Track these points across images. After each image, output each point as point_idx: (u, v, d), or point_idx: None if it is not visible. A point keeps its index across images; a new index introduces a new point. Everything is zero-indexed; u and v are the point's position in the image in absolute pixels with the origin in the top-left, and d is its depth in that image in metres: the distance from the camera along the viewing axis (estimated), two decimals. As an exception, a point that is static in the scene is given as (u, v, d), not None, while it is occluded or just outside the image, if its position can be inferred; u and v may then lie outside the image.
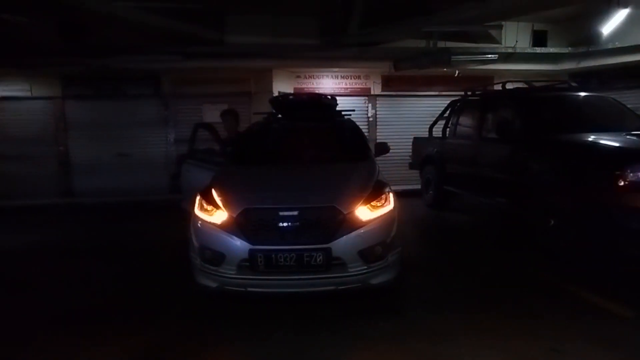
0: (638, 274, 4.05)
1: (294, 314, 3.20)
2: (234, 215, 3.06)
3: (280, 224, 2.99)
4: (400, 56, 8.12)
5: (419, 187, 8.10)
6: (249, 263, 2.97)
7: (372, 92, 10.44)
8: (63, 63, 8.18)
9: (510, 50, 8.78)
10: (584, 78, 9.31)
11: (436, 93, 10.56)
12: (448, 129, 7.19)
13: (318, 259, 2.94)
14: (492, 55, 8.55)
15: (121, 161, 9.64)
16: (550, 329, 2.83)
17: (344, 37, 8.11)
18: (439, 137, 7.46)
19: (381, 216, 3.18)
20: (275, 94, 9.53)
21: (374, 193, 3.27)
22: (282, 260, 2.94)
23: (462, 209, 7.32)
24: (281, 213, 3.00)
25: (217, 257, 3.06)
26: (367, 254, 3.04)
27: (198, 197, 3.34)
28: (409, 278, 3.75)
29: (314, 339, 2.80)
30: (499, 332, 2.82)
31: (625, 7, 7.02)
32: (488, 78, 10.43)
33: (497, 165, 5.36)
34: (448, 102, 7.58)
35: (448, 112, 7.39)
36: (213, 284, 3.13)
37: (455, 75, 9.68)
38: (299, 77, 10.06)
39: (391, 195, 3.38)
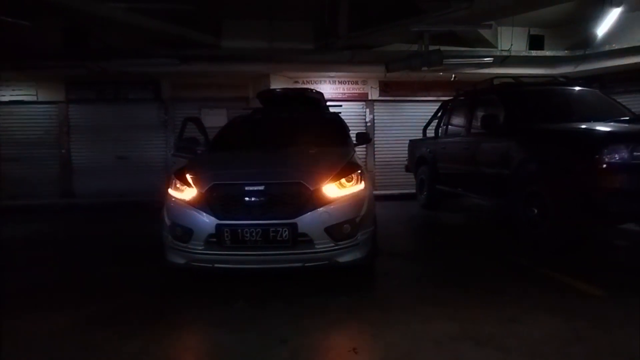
0: (615, 259, 4.01)
1: (258, 289, 3.20)
2: (203, 191, 3.10)
3: (247, 199, 3.01)
4: (393, 58, 8.19)
5: (413, 191, 8.07)
6: (216, 238, 2.98)
7: (369, 98, 10.53)
8: (65, 66, 8.42)
9: (505, 54, 8.81)
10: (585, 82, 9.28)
11: (434, 98, 10.58)
12: (440, 129, 7.20)
13: (284, 235, 2.94)
14: (487, 59, 8.58)
15: (120, 164, 9.82)
16: (512, 304, 2.78)
17: (335, 41, 8.24)
18: (432, 137, 7.47)
19: (350, 194, 3.18)
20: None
21: (344, 172, 3.28)
22: (248, 235, 2.95)
23: (455, 209, 7.28)
24: (247, 188, 3.02)
25: (186, 233, 3.08)
26: (334, 232, 3.03)
27: (172, 177, 3.39)
28: (383, 263, 3.72)
29: (271, 310, 2.79)
30: (457, 305, 2.78)
31: (619, 6, 7.02)
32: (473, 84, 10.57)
33: (484, 159, 5.34)
34: None
35: (440, 112, 7.40)
36: (181, 261, 3.15)
37: (452, 79, 9.74)
38: (296, 82, 10.19)
39: (363, 176, 3.38)
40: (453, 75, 9.64)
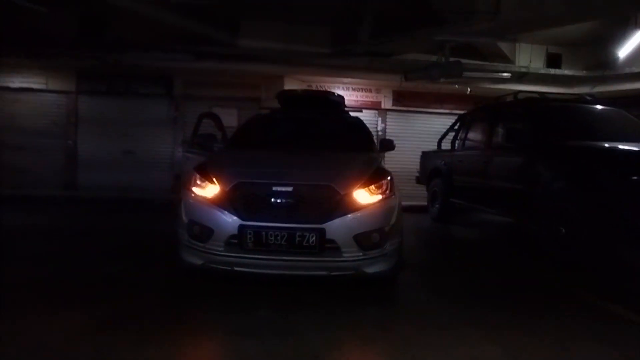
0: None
1: (280, 296, 3.02)
2: (226, 190, 2.94)
3: (273, 200, 2.85)
4: (412, 68, 8.09)
5: (425, 203, 7.91)
6: (238, 240, 2.82)
7: (382, 106, 10.43)
8: (78, 56, 8.30)
9: (523, 70, 8.72)
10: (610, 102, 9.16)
11: (447, 111, 10.50)
12: (457, 142, 7.06)
13: (310, 240, 2.78)
14: (505, 74, 8.49)
15: (126, 159, 9.66)
16: (555, 328, 2.60)
17: (354, 47, 8.14)
18: (448, 150, 7.33)
19: (380, 202, 3.02)
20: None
21: (374, 178, 3.13)
22: (273, 238, 2.78)
23: (467, 223, 7.11)
24: (274, 188, 2.86)
25: (205, 232, 2.92)
26: (363, 240, 2.87)
27: (193, 173, 3.23)
28: (405, 275, 3.55)
29: (297, 320, 2.61)
30: (497, 326, 2.60)
31: (643, 28, 6.95)
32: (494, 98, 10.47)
33: (506, 175, 5.19)
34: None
35: (457, 125, 7.26)
36: (198, 261, 2.98)
37: (467, 93, 9.64)
38: (310, 86, 10.08)
39: (393, 184, 3.22)
40: (468, 89, 9.53)
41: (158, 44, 8.15)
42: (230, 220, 2.84)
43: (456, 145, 7.10)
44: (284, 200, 2.84)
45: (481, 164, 5.85)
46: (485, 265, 4.31)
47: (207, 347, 2.30)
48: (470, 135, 6.65)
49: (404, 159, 10.38)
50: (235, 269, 2.89)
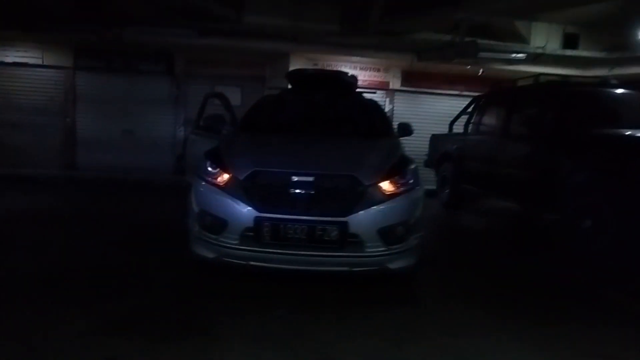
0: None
1: (297, 293, 2.84)
2: (241, 178, 2.72)
3: (292, 191, 2.64)
4: (424, 47, 7.75)
5: (434, 187, 7.70)
6: (254, 233, 2.62)
7: (390, 87, 10.09)
8: (75, 30, 7.92)
9: (539, 51, 8.37)
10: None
11: (457, 92, 10.20)
12: (471, 125, 6.80)
13: (332, 234, 2.58)
14: (521, 55, 8.15)
15: (126, 138, 9.38)
16: (601, 337, 2.43)
17: (365, 25, 7.77)
18: (460, 133, 7.08)
19: (405, 193, 2.82)
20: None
21: (398, 167, 2.92)
22: (291, 232, 2.59)
23: (479, 210, 6.93)
24: (294, 178, 2.65)
25: (218, 223, 2.71)
26: (387, 234, 2.68)
27: (204, 158, 3.00)
28: (424, 271, 3.37)
29: (318, 322, 2.43)
30: (539, 334, 2.42)
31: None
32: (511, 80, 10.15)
33: (525, 163, 4.96)
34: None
35: (472, 107, 6.99)
36: (211, 255, 2.79)
37: (479, 74, 9.32)
38: (316, 64, 9.72)
39: (417, 173, 3.01)
40: (481, 70, 9.21)
41: (159, 20, 7.76)
42: (245, 212, 2.64)
43: (469, 129, 6.85)
44: (304, 191, 2.63)
45: (497, 150, 5.62)
46: (503, 259, 4.14)
47: (222, 354, 2.12)
48: (486, 119, 6.38)
49: (411, 141, 10.03)
50: (251, 263, 2.71)
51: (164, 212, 5.43)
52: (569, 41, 8.93)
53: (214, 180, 2.84)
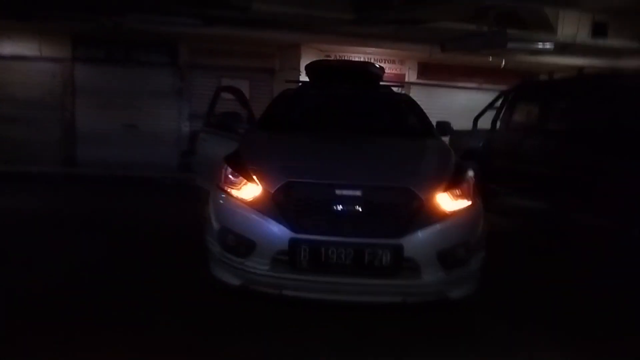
0: None
1: (339, 326, 2.39)
2: (272, 191, 2.26)
3: (336, 207, 2.18)
4: (447, 37, 7.23)
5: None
6: (289, 257, 2.17)
7: (406, 79, 9.60)
8: (73, 19, 7.40)
9: (569, 40, 7.84)
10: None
11: (475, 86, 9.74)
12: (499, 121, 6.32)
13: (384, 259, 2.13)
14: (549, 45, 7.62)
15: (128, 133, 8.92)
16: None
17: (381, 13, 7.25)
18: (487, 129, 6.59)
19: (467, 207, 2.37)
20: (302, 72, 8.80)
21: (456, 178, 2.46)
22: (334, 256, 2.14)
23: (505, 210, 6.45)
24: (338, 192, 2.19)
25: (244, 245, 2.26)
26: (447, 257, 2.23)
27: (223, 165, 2.54)
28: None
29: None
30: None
31: None
32: (533, 73, 9.66)
33: (569, 163, 4.49)
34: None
35: (500, 101, 6.49)
36: (236, 281, 2.34)
37: (502, 66, 8.82)
38: (328, 56, 9.22)
39: (476, 183, 2.56)
40: (503, 62, 8.70)
41: (162, 7, 7.24)
42: (278, 232, 2.18)
43: (498, 124, 6.37)
44: (350, 208, 2.17)
45: (533, 148, 5.15)
46: (552, 272, 3.67)
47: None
48: (518, 114, 5.90)
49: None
50: (284, 293, 2.25)
51: (172, 215, 5.00)
52: (598, 30, 8.40)
53: (237, 193, 2.38)
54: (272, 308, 2.52)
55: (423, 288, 2.23)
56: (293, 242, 2.16)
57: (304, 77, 8.74)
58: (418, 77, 9.59)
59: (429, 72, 9.61)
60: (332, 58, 8.77)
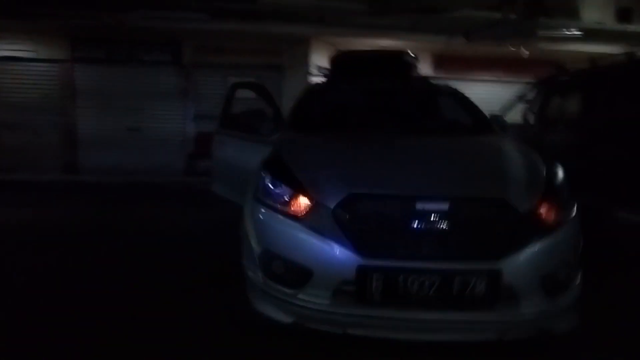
0: None
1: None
2: (331, 206, 1.81)
3: (417, 225, 1.74)
4: (471, 26, 6.79)
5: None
6: (356, 288, 1.74)
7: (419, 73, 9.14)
8: (72, 16, 6.95)
9: (597, 27, 7.40)
10: None
11: (494, 79, 9.28)
12: (534, 115, 5.87)
13: (478, 288, 1.70)
14: (578, 32, 7.19)
15: (132, 136, 8.47)
16: None
17: (397, 2, 6.82)
18: (518, 124, 6.15)
19: (569, 221, 1.92)
20: (313, 68, 8.35)
21: (552, 183, 2.02)
22: (415, 286, 1.70)
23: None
24: (420, 205, 1.75)
25: (296, 273, 1.83)
26: (552, 282, 1.80)
27: (263, 173, 2.09)
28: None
29: None
30: None
31: None
32: (554, 63, 9.23)
33: (620, 156, 4.06)
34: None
35: (534, 95, 6.04)
36: (286, 318, 1.89)
37: (525, 56, 8.37)
38: (339, 50, 8.76)
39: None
40: (526, 52, 8.25)
41: (167, 1, 6.80)
42: (342, 257, 1.75)
43: (530, 119, 5.92)
44: (434, 225, 1.73)
45: (579, 144, 4.71)
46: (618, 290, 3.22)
47: None
48: (556, 107, 5.46)
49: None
50: (350, 331, 1.81)
51: (188, 227, 4.56)
52: (622, 15, 7.98)
53: (284, 207, 1.94)
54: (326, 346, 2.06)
55: (523, 321, 1.79)
56: (362, 270, 1.72)
57: (314, 74, 8.44)
58: (433, 71, 9.12)
59: (444, 65, 9.18)
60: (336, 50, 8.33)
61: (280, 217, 1.93)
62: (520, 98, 6.35)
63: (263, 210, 2.01)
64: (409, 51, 4.05)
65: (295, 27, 7.73)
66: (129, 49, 8.32)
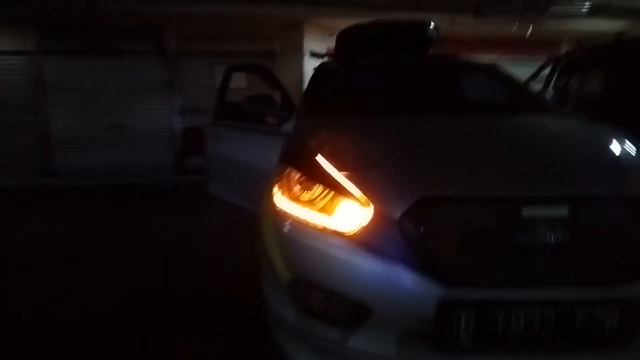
0: None
1: None
2: (396, 215, 1.29)
3: (523, 239, 1.23)
4: (481, 2, 6.32)
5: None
6: (436, 329, 1.23)
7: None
8: (39, 1, 6.24)
9: (606, 2, 7.01)
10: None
11: (495, 58, 8.88)
12: (552, 95, 5.44)
13: (608, 322, 1.21)
14: (587, 7, 6.79)
15: (114, 134, 7.81)
16: None
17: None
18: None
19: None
20: (306, 54, 7.81)
21: None
22: (522, 323, 1.21)
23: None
24: (527, 211, 1.24)
25: (346, 310, 1.31)
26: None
27: (287, 170, 1.56)
28: None
29: None
30: None
31: None
32: (555, 42, 8.93)
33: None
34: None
35: (549, 73, 5.61)
36: (333, 369, 1.38)
37: (527, 35, 8.01)
38: (332, 35, 8.22)
39: None
40: (529, 30, 7.88)
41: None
42: (413, 287, 1.24)
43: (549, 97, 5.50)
44: (547, 238, 1.23)
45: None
46: None
47: None
48: (577, 85, 5.03)
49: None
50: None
51: (184, 236, 4.01)
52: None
53: (324, 220, 1.41)
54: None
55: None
56: (444, 304, 1.22)
57: (307, 60, 7.88)
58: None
59: (442, 46, 8.71)
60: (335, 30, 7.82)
61: (318, 232, 1.41)
62: (534, 77, 5.93)
63: (291, 223, 1.49)
64: (432, 22, 3.53)
65: (285, 8, 7.15)
66: (104, 38, 7.60)
